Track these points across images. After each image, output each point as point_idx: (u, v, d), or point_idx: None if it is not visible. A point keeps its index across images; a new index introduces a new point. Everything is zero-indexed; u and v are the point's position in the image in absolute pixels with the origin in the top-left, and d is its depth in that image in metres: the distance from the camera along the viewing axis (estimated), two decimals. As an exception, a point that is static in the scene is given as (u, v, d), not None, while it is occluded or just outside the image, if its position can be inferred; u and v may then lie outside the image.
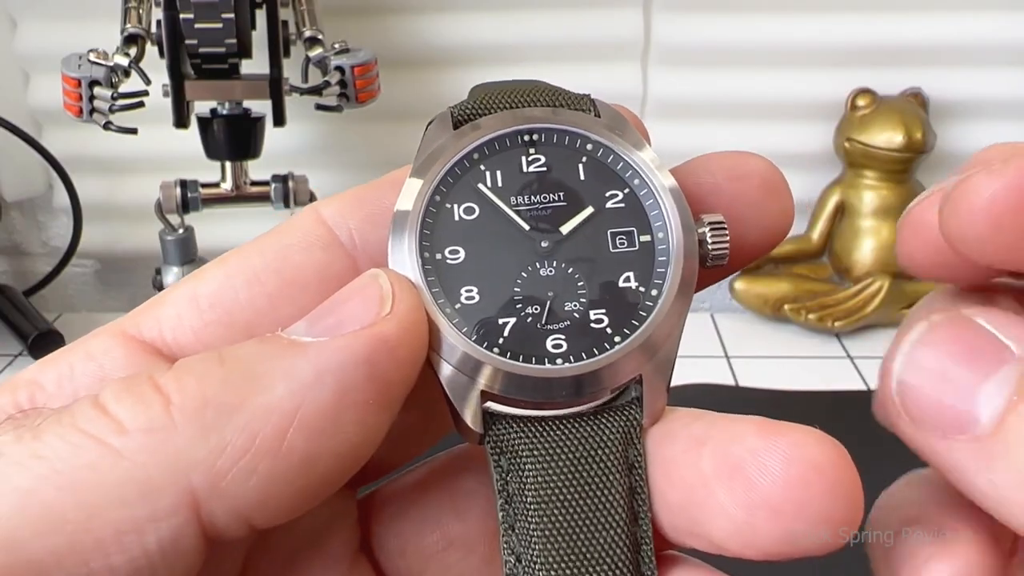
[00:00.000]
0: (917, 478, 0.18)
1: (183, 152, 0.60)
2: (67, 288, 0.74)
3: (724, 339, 0.64)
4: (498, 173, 0.18)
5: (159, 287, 0.62)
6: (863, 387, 0.57)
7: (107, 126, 0.54)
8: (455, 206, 0.18)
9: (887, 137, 0.62)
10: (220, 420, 0.15)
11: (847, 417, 0.53)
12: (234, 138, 0.58)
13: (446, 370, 0.17)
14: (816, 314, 0.63)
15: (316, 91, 0.56)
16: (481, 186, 0.18)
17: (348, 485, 0.20)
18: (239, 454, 0.15)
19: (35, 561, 0.14)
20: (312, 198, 0.61)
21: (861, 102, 0.63)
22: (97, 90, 0.53)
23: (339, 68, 0.55)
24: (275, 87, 0.56)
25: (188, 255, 0.61)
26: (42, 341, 0.61)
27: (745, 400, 0.55)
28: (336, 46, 0.56)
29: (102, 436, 0.15)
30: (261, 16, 0.55)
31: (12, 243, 0.73)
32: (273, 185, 0.60)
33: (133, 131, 0.54)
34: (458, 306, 0.17)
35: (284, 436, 0.15)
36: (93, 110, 0.53)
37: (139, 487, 0.14)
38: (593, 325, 0.17)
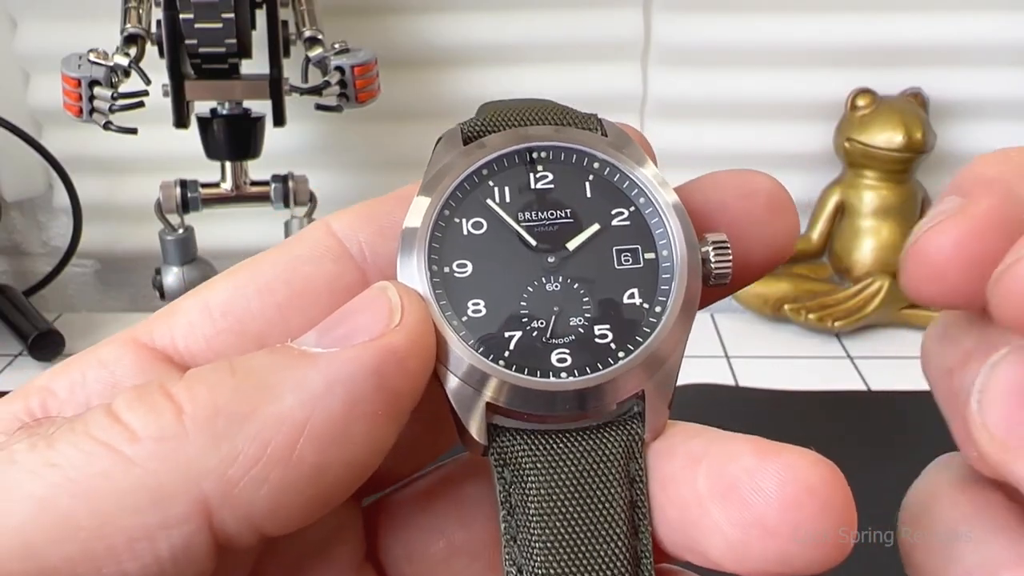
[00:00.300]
0: (948, 480, 0.17)
1: (183, 152, 0.60)
2: (67, 288, 0.74)
3: (724, 339, 0.64)
4: (506, 189, 0.19)
5: (159, 287, 0.62)
6: (863, 387, 0.57)
7: (107, 126, 0.54)
8: (463, 220, 0.18)
9: (887, 137, 0.62)
10: (231, 429, 0.15)
11: (847, 417, 0.53)
12: (234, 138, 0.58)
13: (452, 382, 0.17)
14: (816, 314, 0.63)
15: (316, 91, 0.56)
16: (490, 201, 0.18)
17: (354, 495, 0.20)
18: (250, 463, 0.15)
19: (49, 568, 0.14)
20: (312, 198, 0.61)
21: (861, 102, 0.63)
22: (97, 90, 0.53)
23: (339, 68, 0.56)
24: (275, 87, 0.56)
25: (188, 255, 0.61)
26: (42, 341, 0.61)
27: (745, 400, 0.55)
28: (336, 46, 0.56)
29: (115, 444, 0.15)
30: (261, 16, 0.55)
31: (12, 243, 0.73)
32: (273, 185, 0.60)
33: (133, 131, 0.54)
34: (465, 319, 0.17)
35: (295, 445, 0.15)
36: (93, 110, 0.53)
37: (151, 495, 0.14)
38: (597, 340, 0.17)
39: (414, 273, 0.17)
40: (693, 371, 0.57)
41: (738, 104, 0.65)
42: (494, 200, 0.18)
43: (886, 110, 0.63)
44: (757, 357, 0.62)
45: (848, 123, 0.64)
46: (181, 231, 0.61)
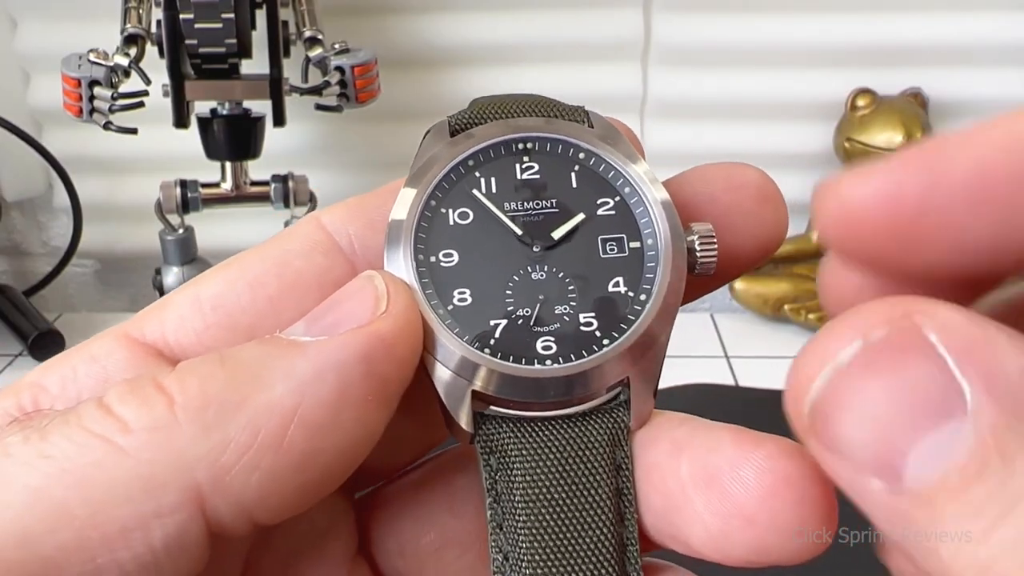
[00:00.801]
0: None
1: (183, 152, 0.60)
2: (67, 288, 0.74)
3: (724, 339, 0.64)
4: (492, 180, 0.19)
5: (159, 287, 0.62)
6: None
7: (107, 126, 0.54)
8: (450, 211, 0.18)
9: (887, 137, 0.62)
10: (222, 418, 0.15)
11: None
12: (234, 138, 0.58)
13: (439, 370, 0.17)
14: (816, 314, 0.63)
15: (316, 91, 0.56)
16: (476, 192, 0.19)
17: (346, 489, 0.20)
18: (242, 450, 0.15)
19: (45, 557, 0.14)
20: (312, 198, 0.61)
21: (861, 102, 0.63)
22: (97, 90, 0.53)
23: (339, 68, 0.56)
24: (275, 87, 0.56)
25: (188, 255, 0.61)
26: (42, 341, 0.61)
27: (745, 400, 0.55)
28: (336, 46, 0.56)
29: (107, 435, 0.15)
30: (261, 16, 0.55)
31: (12, 243, 0.73)
32: (273, 185, 0.60)
33: (133, 131, 0.54)
34: (451, 307, 0.17)
35: (285, 433, 0.15)
36: (93, 110, 0.54)
37: (144, 484, 0.15)
38: (582, 328, 0.18)
39: (400, 263, 0.18)
40: (693, 371, 0.57)
41: (738, 104, 0.65)
42: (480, 190, 0.19)
43: (886, 110, 0.63)
44: (757, 357, 0.62)
45: (848, 123, 0.64)
46: (181, 231, 0.61)
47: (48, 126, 0.67)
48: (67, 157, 0.64)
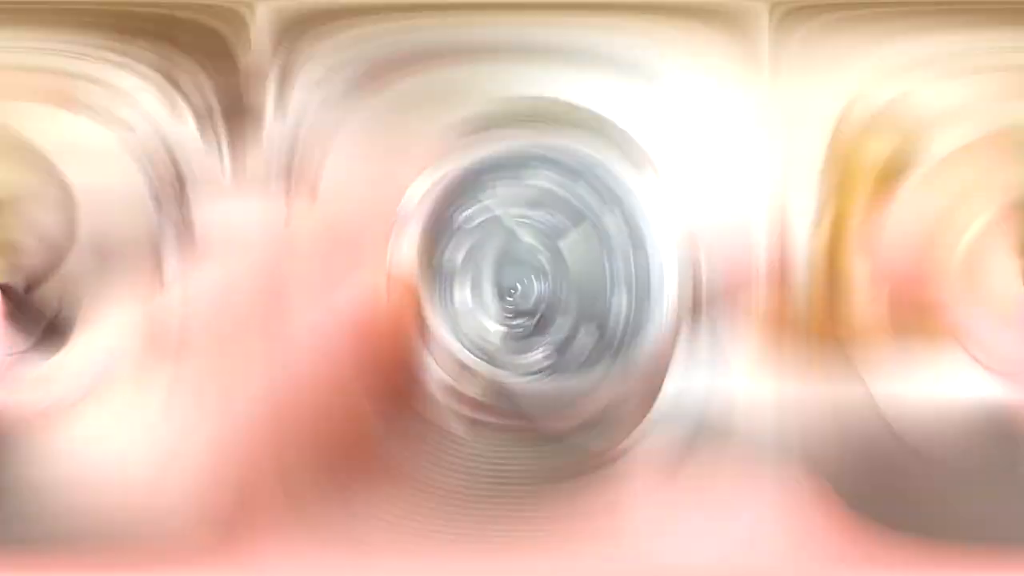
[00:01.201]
0: None
1: (181, 141, 0.59)
2: (67, 282, 0.74)
3: (722, 345, 0.64)
4: (502, 184, 0.19)
5: (159, 278, 0.62)
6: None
7: (99, 118, 0.53)
8: (457, 213, 0.19)
9: (877, 147, 0.62)
10: (221, 403, 0.16)
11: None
12: (232, 127, 0.57)
13: (434, 372, 0.17)
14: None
15: (320, 83, 0.55)
16: (484, 195, 0.19)
17: (339, 484, 0.20)
18: (237, 437, 0.16)
19: None
20: (315, 190, 0.60)
21: (852, 110, 0.63)
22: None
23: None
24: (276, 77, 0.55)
25: (188, 245, 0.61)
26: (45, 337, 0.61)
27: (743, 408, 0.55)
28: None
29: (110, 430, 0.15)
30: (263, 9, 0.54)
31: (8, 240, 0.73)
32: (274, 176, 0.60)
33: (129, 124, 0.54)
34: (451, 310, 0.18)
35: (279, 419, 0.15)
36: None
37: (153, 475, 0.15)
38: (582, 342, 0.17)
39: (403, 261, 0.18)
40: (690, 379, 0.56)
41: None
42: (489, 194, 0.19)
43: (876, 119, 0.62)
44: (756, 365, 0.62)
45: (839, 132, 0.64)
46: (180, 222, 0.61)
47: (36, 118, 0.67)
48: (59, 149, 0.63)
